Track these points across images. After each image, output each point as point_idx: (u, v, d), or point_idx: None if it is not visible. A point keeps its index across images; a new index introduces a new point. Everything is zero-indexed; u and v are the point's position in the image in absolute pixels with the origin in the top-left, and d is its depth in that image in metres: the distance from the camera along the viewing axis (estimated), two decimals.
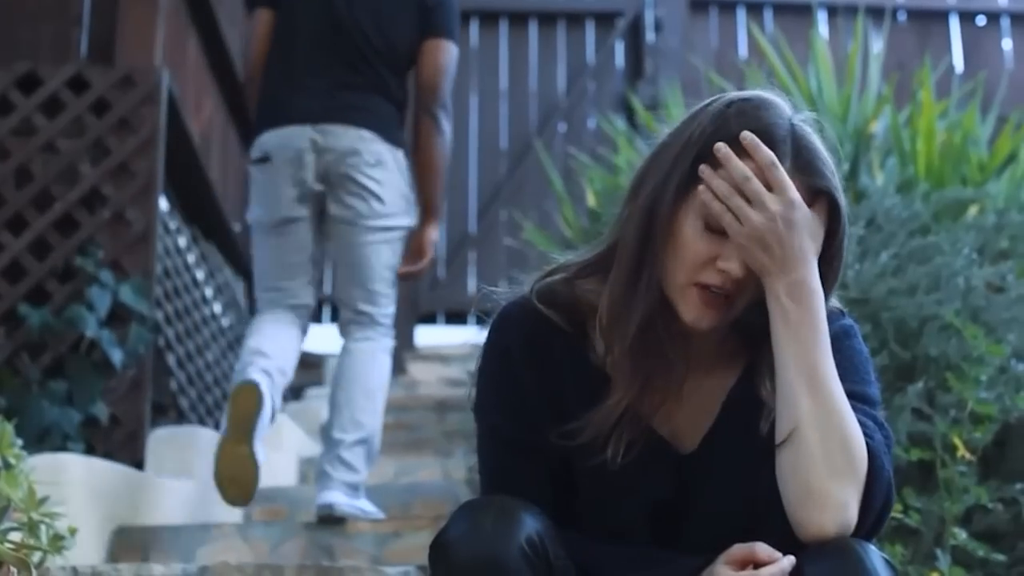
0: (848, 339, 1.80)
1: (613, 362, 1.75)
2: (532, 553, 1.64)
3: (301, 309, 3.89)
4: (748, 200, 1.66)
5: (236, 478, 3.54)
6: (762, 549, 1.65)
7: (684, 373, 1.76)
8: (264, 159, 3.81)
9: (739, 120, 1.71)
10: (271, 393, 3.59)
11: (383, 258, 3.82)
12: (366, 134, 3.77)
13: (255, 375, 3.58)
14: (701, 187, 1.69)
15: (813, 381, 1.67)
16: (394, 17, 3.86)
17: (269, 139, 3.81)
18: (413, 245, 3.90)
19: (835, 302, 1.82)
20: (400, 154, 3.85)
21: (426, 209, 3.90)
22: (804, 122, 1.74)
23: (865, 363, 1.80)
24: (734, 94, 1.76)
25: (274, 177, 3.79)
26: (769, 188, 1.67)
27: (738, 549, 1.66)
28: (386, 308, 3.87)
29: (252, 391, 3.55)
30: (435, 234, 3.93)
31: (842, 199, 1.71)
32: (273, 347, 3.69)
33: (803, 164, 1.70)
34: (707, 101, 1.77)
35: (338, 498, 3.67)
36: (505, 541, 1.63)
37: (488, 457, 1.84)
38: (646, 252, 1.72)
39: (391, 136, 3.83)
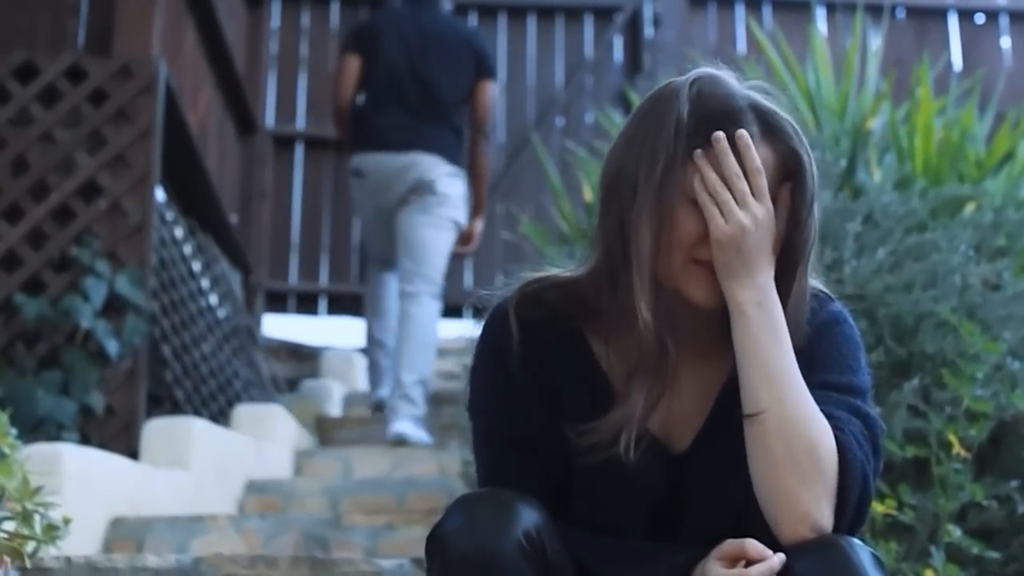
0: (837, 326, 1.81)
1: (643, 346, 1.73)
2: (529, 547, 1.64)
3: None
4: (734, 198, 1.69)
5: None
6: (752, 546, 1.65)
7: (676, 365, 1.76)
8: (359, 174, 5.09)
9: (705, 98, 1.73)
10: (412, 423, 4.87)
11: (441, 243, 5.03)
12: (437, 159, 5.01)
13: (396, 427, 4.84)
14: (693, 171, 1.70)
15: (773, 385, 1.68)
16: (461, 65, 5.10)
17: (364, 160, 5.07)
18: (465, 233, 5.22)
19: (821, 286, 1.84)
20: (460, 171, 5.11)
21: (476, 206, 5.24)
22: (754, 89, 1.77)
23: (853, 349, 1.80)
24: (685, 77, 1.77)
25: (367, 189, 5.08)
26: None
27: (729, 545, 1.67)
28: (439, 279, 5.07)
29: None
30: (481, 225, 5.30)
31: (809, 157, 1.74)
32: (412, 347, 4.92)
33: (769, 126, 1.73)
34: (660, 88, 1.79)
35: (407, 428, 4.84)
36: (502, 535, 1.63)
37: (484, 456, 1.84)
38: (643, 245, 1.71)
39: (454, 159, 5.08)
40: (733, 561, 1.66)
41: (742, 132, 1.70)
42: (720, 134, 1.70)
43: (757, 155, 1.70)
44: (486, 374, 1.83)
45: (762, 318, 1.69)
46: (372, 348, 5.45)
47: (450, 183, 5.07)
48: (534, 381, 1.79)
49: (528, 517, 1.66)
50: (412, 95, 5.03)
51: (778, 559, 1.63)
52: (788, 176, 1.73)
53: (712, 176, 1.69)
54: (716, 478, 1.75)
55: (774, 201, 1.72)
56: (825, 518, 1.65)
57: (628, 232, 1.72)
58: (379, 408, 5.31)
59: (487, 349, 1.83)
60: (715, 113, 1.72)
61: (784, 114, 1.75)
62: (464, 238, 5.26)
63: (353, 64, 5.12)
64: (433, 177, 5.01)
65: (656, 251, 1.71)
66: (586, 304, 1.80)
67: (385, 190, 5.08)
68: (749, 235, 1.68)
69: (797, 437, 1.66)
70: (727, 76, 1.77)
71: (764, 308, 1.69)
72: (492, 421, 1.82)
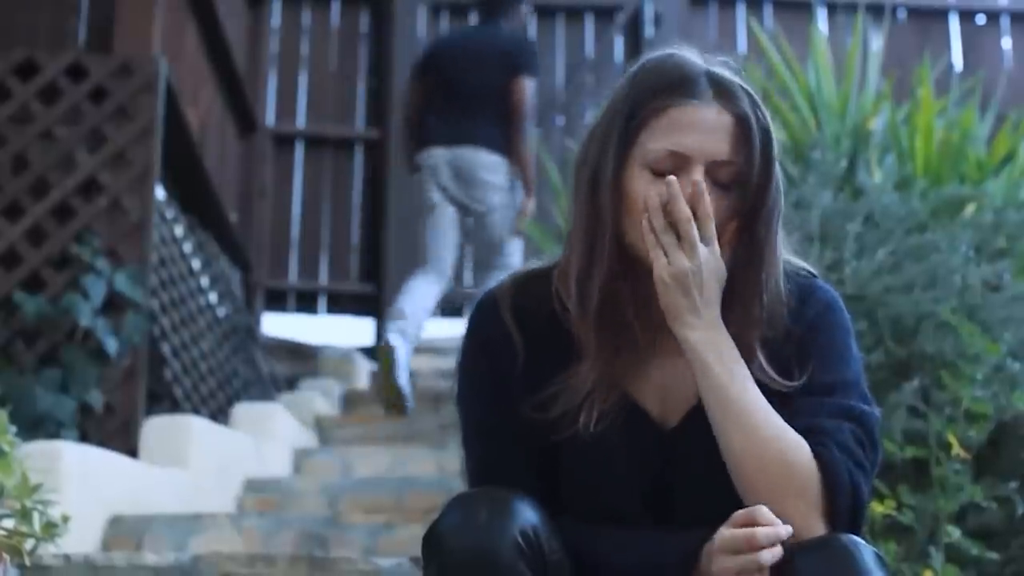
0: (830, 313, 1.81)
1: (580, 331, 1.76)
2: (526, 545, 1.63)
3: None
4: (679, 238, 1.69)
5: (394, 404, 5.06)
6: (763, 513, 1.64)
7: (650, 339, 1.77)
8: (417, 168, 5.70)
9: (655, 70, 1.77)
10: (405, 346, 5.20)
11: (501, 225, 5.66)
12: (478, 150, 5.66)
13: (391, 338, 5.20)
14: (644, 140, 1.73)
15: (741, 421, 1.69)
16: (494, 68, 5.73)
17: (420, 155, 5.67)
18: (519, 211, 5.74)
19: (802, 263, 1.85)
20: (502, 159, 5.68)
21: (525, 187, 5.78)
22: (721, 64, 1.78)
23: (844, 337, 1.81)
24: (646, 56, 1.81)
25: (426, 179, 5.67)
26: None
27: (741, 513, 1.66)
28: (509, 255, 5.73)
29: (387, 350, 5.11)
30: (532, 204, 5.79)
31: (764, 124, 1.74)
32: (412, 307, 5.33)
33: (722, 92, 1.74)
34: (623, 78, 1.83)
35: None
36: (499, 533, 1.62)
37: (474, 451, 1.84)
38: (597, 220, 1.75)
39: (495, 147, 5.69)
40: (743, 527, 1.65)
41: (697, 180, 1.70)
42: (672, 178, 1.71)
43: (708, 201, 1.70)
44: (473, 365, 1.84)
45: (715, 357, 1.71)
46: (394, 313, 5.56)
47: (493, 172, 5.69)
48: (520, 368, 1.80)
49: (525, 516, 1.65)
50: (458, 100, 5.72)
51: (785, 530, 1.63)
52: (745, 139, 1.74)
53: (659, 219, 1.70)
54: (708, 455, 1.74)
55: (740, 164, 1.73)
56: (812, 530, 1.66)
57: (592, 211, 1.75)
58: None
59: (474, 340, 1.84)
60: (664, 81, 1.75)
61: (742, 84, 1.76)
62: (519, 215, 5.81)
63: (416, 88, 5.91)
64: (475, 168, 5.67)
65: (620, 223, 1.73)
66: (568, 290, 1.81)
67: (441, 176, 5.69)
68: (693, 276, 1.69)
69: (771, 466, 1.67)
70: (688, 52, 1.79)
71: (715, 345, 1.71)
72: (480, 414, 1.83)
